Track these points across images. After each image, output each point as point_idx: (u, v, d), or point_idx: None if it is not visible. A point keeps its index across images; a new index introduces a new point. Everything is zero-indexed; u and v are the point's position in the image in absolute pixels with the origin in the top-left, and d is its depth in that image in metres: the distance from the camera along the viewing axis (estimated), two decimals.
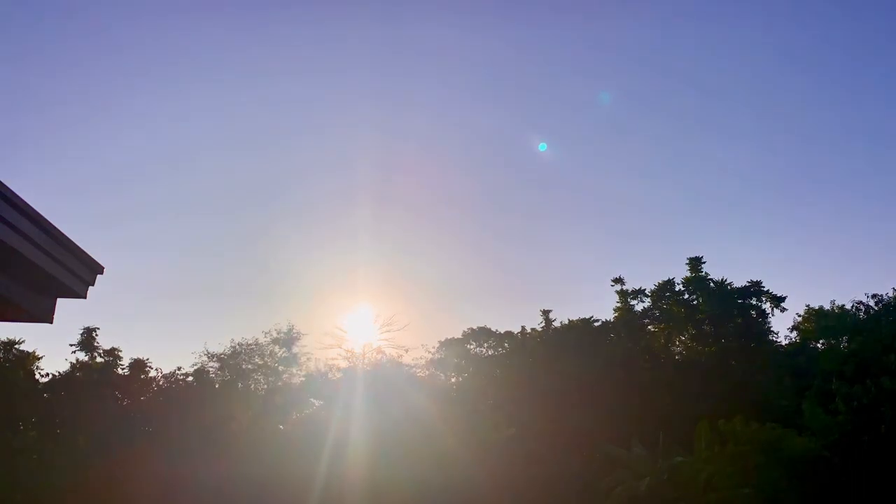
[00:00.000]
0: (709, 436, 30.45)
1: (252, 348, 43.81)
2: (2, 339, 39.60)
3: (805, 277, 69.37)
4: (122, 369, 41.52)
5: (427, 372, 45.96)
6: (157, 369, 42.02)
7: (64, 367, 40.50)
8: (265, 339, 43.96)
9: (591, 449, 33.45)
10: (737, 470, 28.74)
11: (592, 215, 77.84)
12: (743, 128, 73.41)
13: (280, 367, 43.97)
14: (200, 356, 42.99)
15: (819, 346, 44.73)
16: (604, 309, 56.45)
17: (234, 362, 43.19)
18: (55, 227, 5.06)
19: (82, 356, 40.94)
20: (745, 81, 73.46)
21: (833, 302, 46.54)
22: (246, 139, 75.12)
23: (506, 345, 46.82)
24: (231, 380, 42.76)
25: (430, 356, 46.66)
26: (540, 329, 46.07)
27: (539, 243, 75.73)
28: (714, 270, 44.90)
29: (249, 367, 43.73)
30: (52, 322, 5.78)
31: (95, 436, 37.16)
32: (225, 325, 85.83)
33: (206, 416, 37.59)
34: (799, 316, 47.03)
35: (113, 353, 41.46)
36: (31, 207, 4.77)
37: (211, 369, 42.96)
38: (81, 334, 41.01)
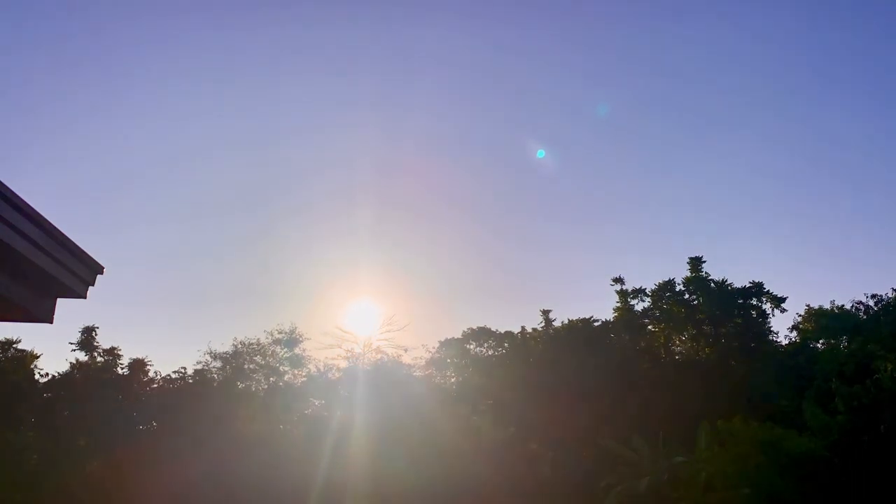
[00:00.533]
0: (709, 436, 30.46)
1: (254, 348, 43.86)
2: (1, 340, 39.65)
3: (805, 277, 69.47)
4: (122, 369, 41.55)
5: (427, 372, 45.98)
6: (156, 371, 42.12)
7: (64, 366, 40.57)
8: (267, 339, 44.05)
9: (591, 448, 33.47)
10: (737, 470, 28.75)
11: (593, 215, 77.91)
12: (743, 128, 73.46)
13: (281, 367, 44.02)
14: (204, 355, 43.12)
15: (819, 346, 44.72)
16: (604, 309, 56.49)
17: (237, 362, 43.24)
18: (55, 227, 5.05)
19: (82, 356, 40.98)
20: (746, 81, 73.55)
21: (833, 302, 46.57)
22: (246, 140, 75.18)
23: (506, 345, 46.83)
24: (232, 379, 42.80)
25: (429, 356, 46.71)
26: (540, 329, 46.09)
27: (539, 243, 75.82)
28: (714, 270, 45.02)
29: (251, 366, 43.79)
30: (52, 322, 5.77)
31: (95, 436, 37.17)
32: (225, 326, 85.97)
33: (207, 415, 37.58)
34: (799, 316, 47.04)
35: (113, 353, 41.48)
36: (31, 207, 4.76)
37: (213, 368, 43.04)
38: (81, 334, 41.04)
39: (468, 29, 61.24)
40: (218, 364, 43.03)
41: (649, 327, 45.30)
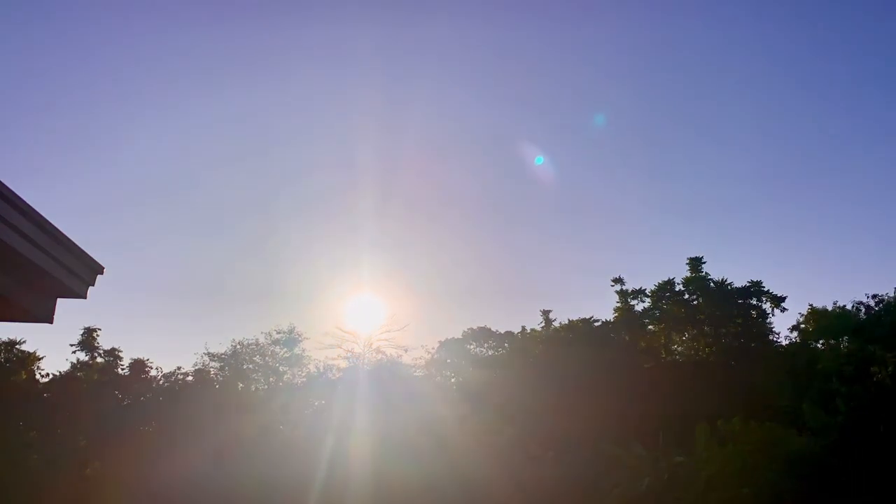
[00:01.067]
0: (709, 436, 30.45)
1: (252, 348, 43.91)
2: (3, 340, 39.73)
3: (805, 277, 69.24)
4: (123, 369, 41.60)
5: (427, 372, 46.00)
6: (157, 368, 42.14)
7: (64, 367, 40.62)
8: (265, 339, 44.09)
9: (591, 449, 33.46)
10: (737, 470, 28.75)
11: (593, 215, 77.81)
12: (743, 128, 73.37)
13: (281, 368, 44.06)
14: (201, 356, 43.14)
15: (819, 346, 44.69)
16: (604, 309, 56.43)
17: (235, 362, 43.28)
18: (55, 227, 5.07)
19: (83, 356, 41.03)
20: (745, 82, 73.43)
21: (834, 302, 46.49)
22: (246, 140, 75.05)
23: (506, 345, 46.88)
24: (231, 380, 42.84)
25: (430, 356, 46.74)
26: (540, 329, 46.13)
27: (539, 243, 75.68)
28: (714, 270, 44.94)
29: (250, 367, 43.82)
30: (52, 322, 5.80)
31: (95, 436, 37.20)
32: (225, 326, 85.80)
33: (207, 415, 37.63)
34: (800, 316, 47.00)
35: (113, 354, 41.54)
36: (31, 207, 4.79)
37: (212, 369, 43.07)
38: (81, 334, 41.12)
39: (469, 28, 61.22)
40: (216, 365, 43.11)
41: (649, 327, 45.32)
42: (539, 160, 58.89)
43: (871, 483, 28.70)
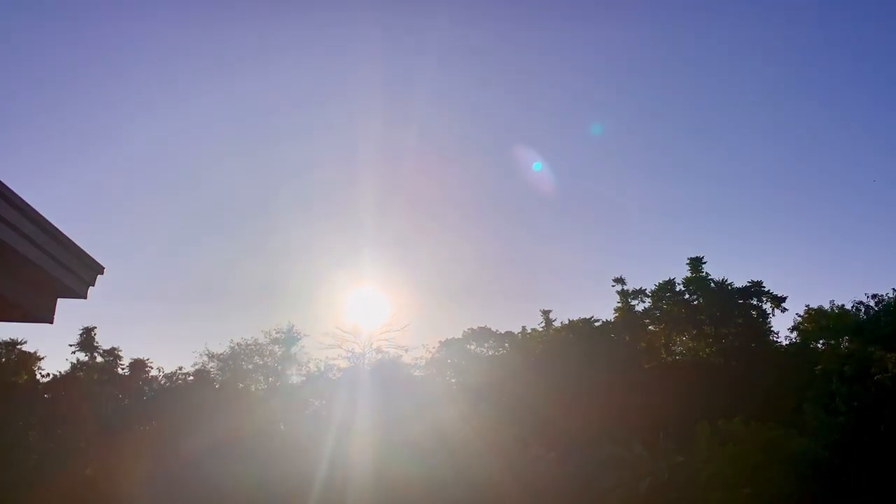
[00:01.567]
0: (709, 436, 30.46)
1: (252, 348, 43.91)
2: (3, 340, 39.76)
3: (805, 277, 69.23)
4: (123, 369, 41.62)
5: (427, 372, 46.00)
6: (157, 368, 42.16)
7: (64, 367, 40.64)
8: (265, 339, 44.09)
9: (592, 448, 33.45)
10: (737, 470, 28.75)
11: (593, 215, 77.81)
12: (743, 127, 73.38)
13: (280, 367, 44.06)
14: (201, 356, 43.15)
15: (819, 346, 44.70)
16: (604, 309, 56.46)
17: (235, 363, 43.29)
18: (55, 227, 5.06)
19: (82, 356, 41.04)
20: (745, 82, 73.44)
21: (833, 302, 46.52)
22: (246, 140, 75.10)
23: (506, 345, 46.87)
24: (231, 380, 42.84)
25: (430, 356, 46.74)
26: (540, 329, 46.13)
27: (539, 243, 75.68)
28: (715, 270, 44.96)
29: (249, 367, 43.83)
30: (52, 322, 5.79)
31: (95, 436, 37.20)
32: (225, 326, 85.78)
33: (207, 415, 37.63)
34: (799, 316, 47.00)
35: (113, 354, 41.56)
36: (31, 207, 4.78)
37: (211, 370, 43.08)
38: (81, 334, 41.12)
39: (469, 28, 61.20)
40: (215, 365, 43.12)
41: (650, 327, 45.32)
42: (537, 166, 58.69)
43: (871, 483, 28.68)
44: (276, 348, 44.12)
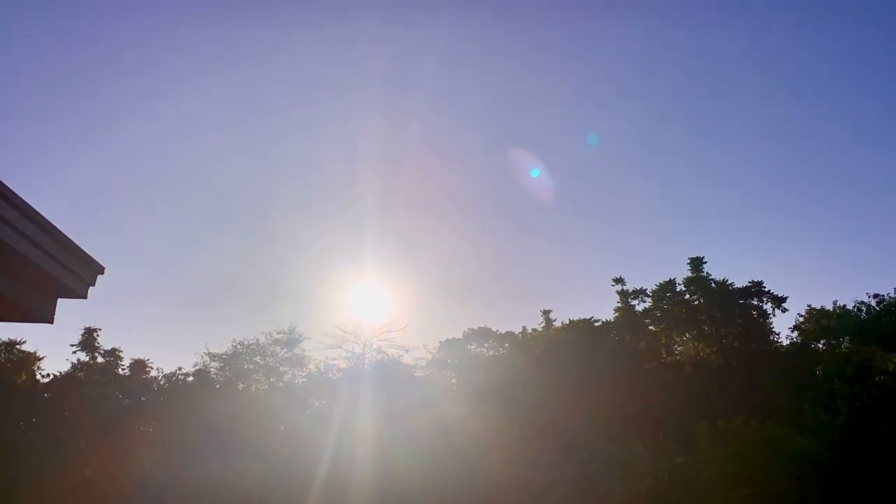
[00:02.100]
0: (709, 436, 30.44)
1: (253, 348, 43.90)
2: (3, 340, 39.73)
3: (806, 277, 69.25)
4: (123, 369, 41.60)
5: (428, 372, 45.99)
6: (157, 368, 42.13)
7: (65, 367, 40.61)
8: (266, 339, 44.09)
9: (592, 448, 33.44)
10: (737, 470, 28.73)
11: (594, 215, 77.81)
12: (744, 128, 73.37)
13: (281, 368, 44.06)
14: (202, 356, 43.16)
15: (820, 346, 44.70)
16: (605, 309, 56.55)
17: (236, 363, 43.28)
18: (55, 227, 5.06)
19: (83, 356, 41.01)
20: (746, 82, 73.41)
21: (835, 302, 46.54)
22: (246, 139, 75.09)
23: (507, 345, 46.85)
24: (232, 380, 42.82)
25: (430, 356, 46.73)
26: (541, 329, 46.12)
27: (540, 243, 75.70)
28: (715, 270, 44.98)
29: (250, 367, 43.81)
30: (52, 322, 5.78)
31: (96, 436, 37.17)
32: (225, 326, 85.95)
33: (207, 416, 37.62)
34: (800, 316, 47.01)
35: (113, 354, 41.54)
36: (31, 207, 4.77)
37: (212, 370, 43.06)
38: (82, 334, 41.11)
39: (470, 29, 61.17)
40: (216, 365, 43.10)
41: (650, 327, 45.31)
42: (535, 172, 58.65)
43: (871, 483, 28.66)
44: (278, 349, 44.14)
